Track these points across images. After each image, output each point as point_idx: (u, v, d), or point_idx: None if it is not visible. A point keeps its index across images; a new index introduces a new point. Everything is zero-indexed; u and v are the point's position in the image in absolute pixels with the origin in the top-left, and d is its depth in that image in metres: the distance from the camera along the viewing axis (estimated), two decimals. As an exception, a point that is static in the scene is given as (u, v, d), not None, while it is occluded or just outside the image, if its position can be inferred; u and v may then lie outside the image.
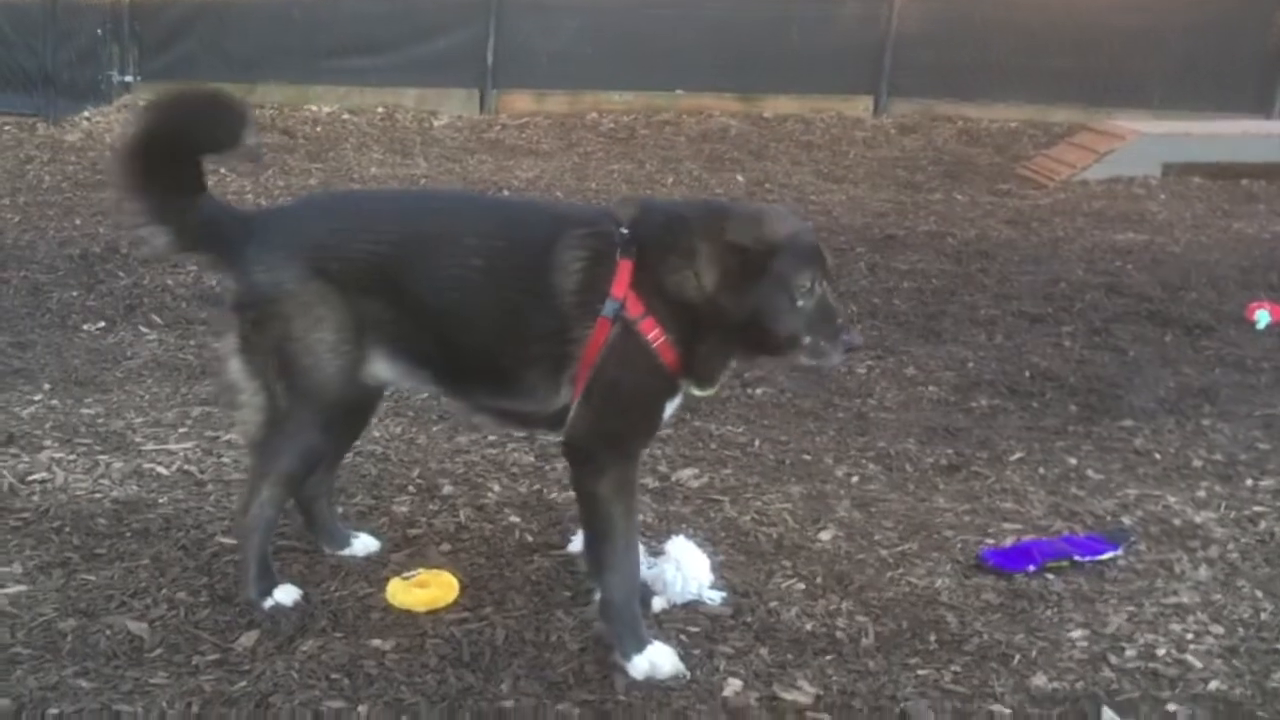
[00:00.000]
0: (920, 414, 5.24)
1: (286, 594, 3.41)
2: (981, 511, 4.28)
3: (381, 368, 3.33)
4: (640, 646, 3.18)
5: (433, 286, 3.23)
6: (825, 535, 4.04)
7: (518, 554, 3.79)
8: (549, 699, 3.07)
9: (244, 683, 3.07)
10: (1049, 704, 3.17)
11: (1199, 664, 3.38)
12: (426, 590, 3.47)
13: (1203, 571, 3.90)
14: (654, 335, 3.10)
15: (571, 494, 3.45)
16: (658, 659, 3.17)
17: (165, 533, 3.81)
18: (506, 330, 3.20)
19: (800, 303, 3.08)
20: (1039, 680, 3.27)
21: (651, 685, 3.13)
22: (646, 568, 3.54)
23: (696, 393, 3.27)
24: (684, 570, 3.55)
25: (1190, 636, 3.52)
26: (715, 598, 3.56)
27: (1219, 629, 3.56)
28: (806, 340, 3.11)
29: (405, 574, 3.56)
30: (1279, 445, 4.97)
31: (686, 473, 4.45)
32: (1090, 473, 4.65)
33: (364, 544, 3.75)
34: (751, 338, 3.15)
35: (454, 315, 3.24)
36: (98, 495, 4.05)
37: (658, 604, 3.50)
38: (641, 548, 3.59)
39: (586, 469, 3.22)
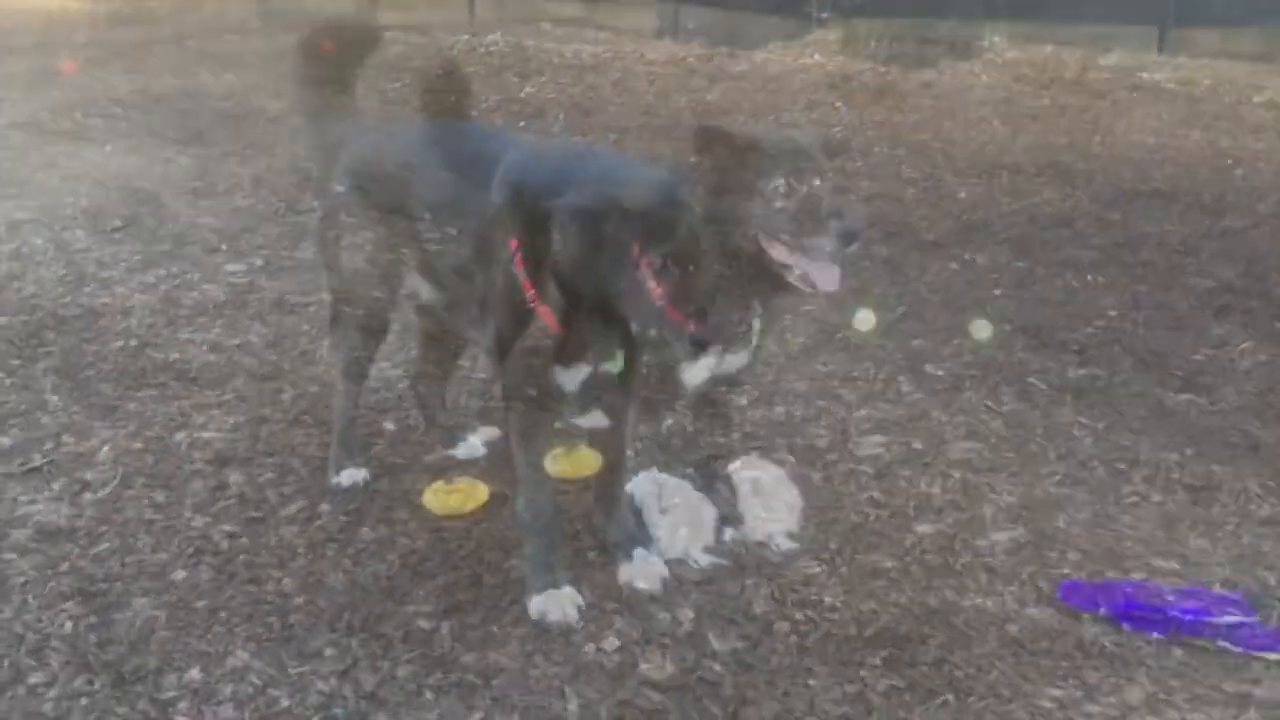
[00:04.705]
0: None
1: (350, 476, 3.78)
2: (1160, 544, 3.47)
3: (422, 288, 3.54)
4: (543, 587, 3.14)
5: (421, 222, 3.40)
6: (924, 528, 3.55)
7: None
8: (439, 618, 3.12)
9: (238, 539, 3.48)
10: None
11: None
12: (451, 496, 3.65)
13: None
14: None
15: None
16: (550, 604, 3.12)
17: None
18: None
19: None
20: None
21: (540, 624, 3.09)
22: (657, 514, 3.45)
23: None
24: (678, 530, 3.39)
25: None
26: (702, 560, 3.36)
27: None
28: None
29: (449, 479, 3.76)
30: None
31: (962, 445, 4.08)
32: None
33: (469, 447, 4.00)
34: None
35: (438, 256, 3.39)
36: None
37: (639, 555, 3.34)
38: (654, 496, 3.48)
39: None
